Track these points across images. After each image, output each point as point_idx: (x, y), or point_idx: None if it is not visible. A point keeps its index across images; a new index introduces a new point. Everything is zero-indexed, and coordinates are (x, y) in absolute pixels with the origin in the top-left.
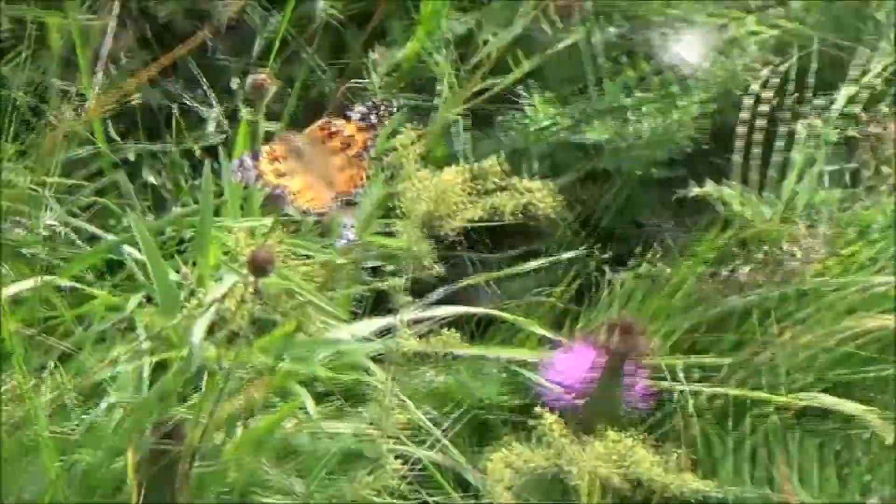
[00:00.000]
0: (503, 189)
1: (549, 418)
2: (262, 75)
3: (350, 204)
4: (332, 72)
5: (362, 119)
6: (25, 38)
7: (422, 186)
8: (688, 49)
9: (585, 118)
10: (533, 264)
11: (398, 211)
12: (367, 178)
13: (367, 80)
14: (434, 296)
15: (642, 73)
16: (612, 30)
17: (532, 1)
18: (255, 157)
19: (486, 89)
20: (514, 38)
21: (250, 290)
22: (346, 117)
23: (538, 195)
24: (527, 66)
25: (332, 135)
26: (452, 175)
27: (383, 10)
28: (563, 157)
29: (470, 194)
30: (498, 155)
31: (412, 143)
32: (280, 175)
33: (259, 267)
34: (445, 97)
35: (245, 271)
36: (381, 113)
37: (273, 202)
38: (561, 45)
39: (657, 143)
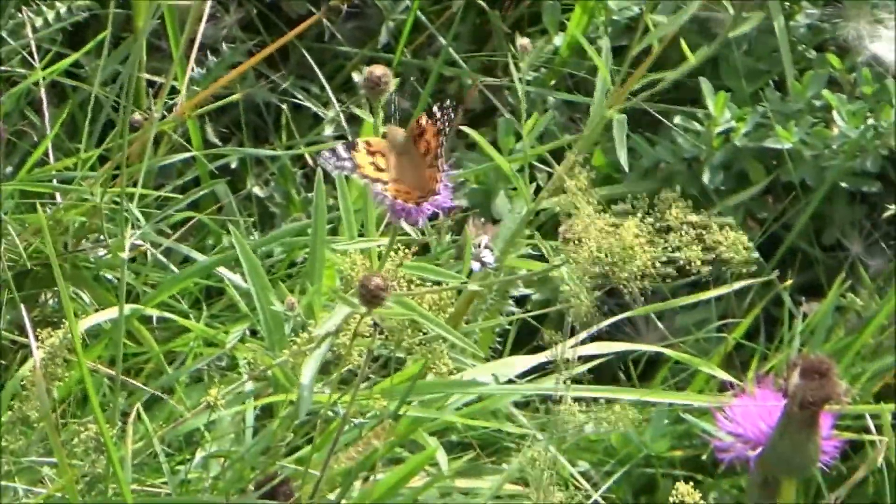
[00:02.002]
0: (683, 228)
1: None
2: (379, 68)
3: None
4: (472, 63)
5: (436, 122)
6: (106, 21)
7: (597, 242)
8: (890, 44)
9: (769, 122)
10: (705, 294)
11: (560, 254)
12: (440, 182)
13: (512, 74)
14: (591, 330)
15: (834, 70)
16: (800, 18)
17: None
18: (352, 147)
19: (650, 85)
20: (684, 24)
21: (367, 322)
22: (430, 117)
23: (729, 247)
24: (703, 53)
25: (420, 135)
26: (634, 232)
27: None
28: (744, 167)
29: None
30: (674, 191)
31: (583, 186)
32: (378, 170)
33: (371, 295)
34: (605, 94)
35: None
36: (445, 118)
37: (396, 219)
38: (744, 29)
39: (850, 152)
